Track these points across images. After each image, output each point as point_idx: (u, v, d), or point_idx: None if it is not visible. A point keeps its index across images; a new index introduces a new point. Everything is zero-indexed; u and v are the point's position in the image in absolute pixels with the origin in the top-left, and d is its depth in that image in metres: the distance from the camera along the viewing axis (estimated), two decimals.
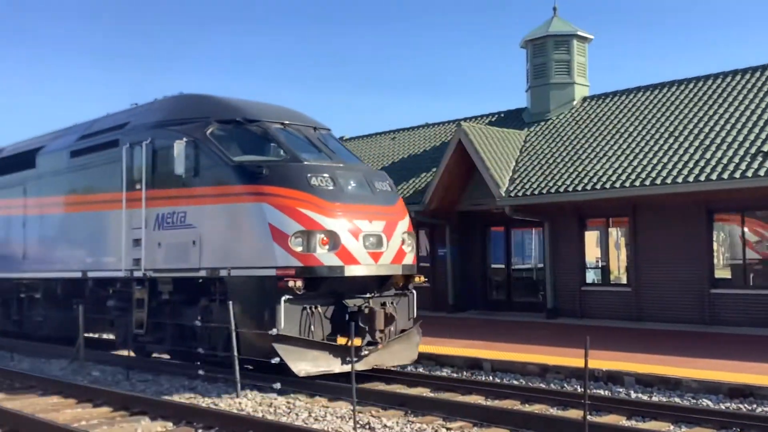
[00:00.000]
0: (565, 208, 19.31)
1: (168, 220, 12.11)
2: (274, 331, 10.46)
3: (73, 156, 14.90)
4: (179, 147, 11.46)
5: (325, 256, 10.72)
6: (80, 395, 10.64)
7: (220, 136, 11.81)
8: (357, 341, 10.85)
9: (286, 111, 13.19)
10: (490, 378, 12.00)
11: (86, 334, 15.36)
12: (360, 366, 11.11)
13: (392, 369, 12.53)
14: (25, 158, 16.57)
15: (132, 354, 13.05)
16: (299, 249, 10.59)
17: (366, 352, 11.21)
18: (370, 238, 11.17)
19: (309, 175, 11.00)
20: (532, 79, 23.11)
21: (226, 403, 10.02)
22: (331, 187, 11.03)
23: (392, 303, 11.68)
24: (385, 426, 8.66)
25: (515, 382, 11.54)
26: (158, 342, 13.01)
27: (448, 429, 8.64)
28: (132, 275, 12.85)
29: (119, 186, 13.17)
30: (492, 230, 22.16)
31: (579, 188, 17.75)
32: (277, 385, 10.54)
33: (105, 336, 16.89)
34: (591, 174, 18.02)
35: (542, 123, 22.32)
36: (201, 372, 11.60)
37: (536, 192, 18.46)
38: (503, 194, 19.01)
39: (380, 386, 11.34)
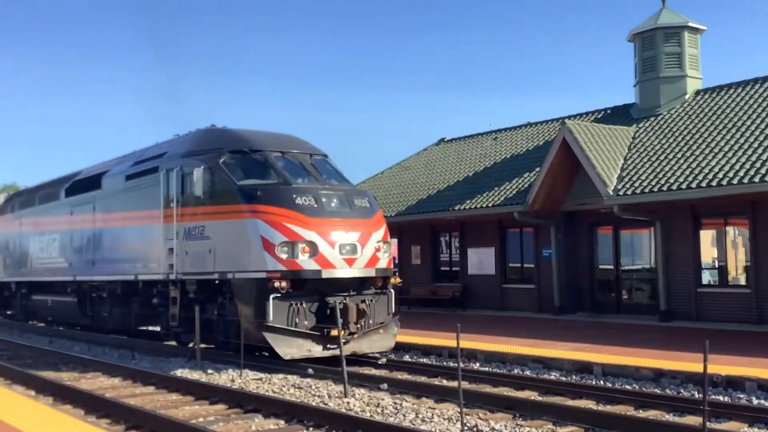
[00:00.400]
0: (678, 207, 18.54)
1: (192, 232, 14.57)
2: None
3: (127, 179, 17.59)
4: (198, 174, 14.02)
5: (306, 262, 12.86)
6: (197, 393, 11.10)
7: (229, 164, 14.20)
8: (341, 332, 12.54)
9: (289, 140, 15.50)
10: (601, 382, 11.68)
11: (141, 327, 18.54)
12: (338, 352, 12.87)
13: (502, 373, 12.48)
14: (94, 180, 19.42)
15: (174, 343, 15.97)
16: (284, 256, 12.77)
17: (344, 341, 12.51)
18: (345, 246, 13.25)
19: (294, 195, 13.19)
20: (640, 73, 22.34)
21: (335, 403, 10.21)
22: (313, 205, 13.20)
23: (371, 300, 13.72)
24: (493, 429, 8.59)
25: (628, 387, 11.18)
26: (189, 332, 14.95)
27: None
28: (168, 278, 15.31)
29: (159, 205, 15.75)
30: (599, 230, 21.55)
31: (693, 185, 16.98)
32: (384, 386, 10.68)
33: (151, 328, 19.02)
34: (706, 170, 17.21)
35: (652, 118, 21.53)
36: (310, 371, 11.90)
37: (646, 190, 17.81)
38: (611, 193, 18.45)
39: (487, 388, 11.27)
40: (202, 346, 15.25)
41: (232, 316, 13.78)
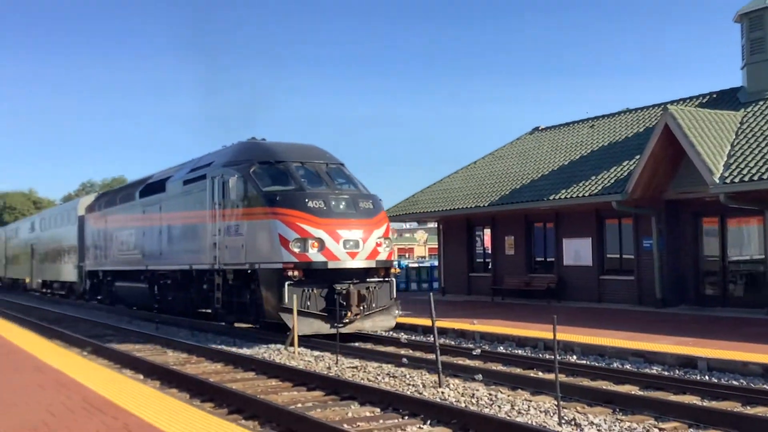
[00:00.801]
0: None
1: (230, 230, 17.23)
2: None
3: (184, 184, 20.53)
4: (233, 182, 16.89)
5: (315, 255, 15.31)
6: (295, 379, 11.38)
7: (258, 173, 16.80)
8: (348, 314, 15.46)
9: (309, 150, 18.11)
10: (706, 377, 11.22)
11: (200, 310, 20.82)
12: (345, 330, 15.25)
13: (600, 367, 12.22)
14: (160, 184, 22.67)
15: (221, 322, 18.75)
16: (297, 250, 15.22)
17: (347, 321, 15.48)
18: (349, 242, 15.59)
19: (307, 200, 15.64)
20: (748, 55, 21.22)
21: (429, 392, 10.24)
22: (323, 207, 15.58)
23: (374, 287, 16.04)
24: (591, 423, 8.39)
25: (735, 383, 10.70)
26: (230, 314, 18.04)
27: (660, 429, 8.21)
28: (213, 267, 18.08)
29: (206, 206, 18.60)
30: (704, 220, 20.66)
31: None
32: (479, 376, 10.63)
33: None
34: None
35: (761, 102, 20.43)
36: (404, 360, 12.00)
37: (755, 177, 16.91)
38: (717, 181, 17.64)
39: (585, 382, 11.03)
40: (244, 325, 17.56)
41: (259, 300, 16.19)
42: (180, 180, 21.03)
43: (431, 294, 11.00)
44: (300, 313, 14.81)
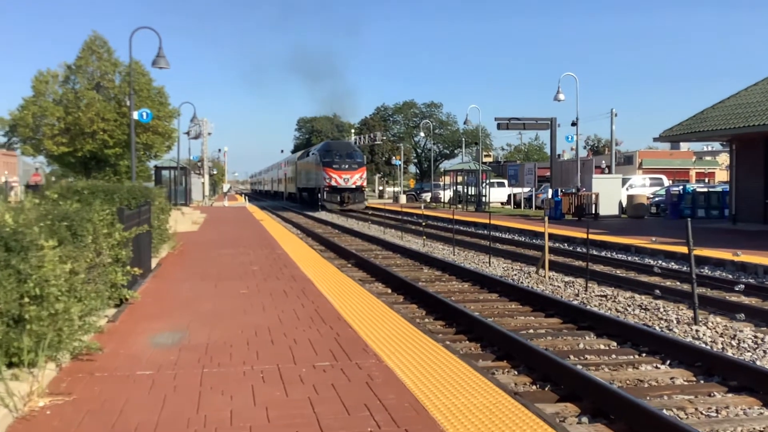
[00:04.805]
0: None
1: (318, 174, 47.65)
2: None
3: (311, 155, 52.51)
4: (316, 157, 49.14)
5: (333, 183, 45.77)
6: (536, 304, 10.84)
7: (323, 153, 47.65)
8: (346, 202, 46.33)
9: (343, 144, 53.00)
10: None
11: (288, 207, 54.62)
12: (344, 208, 44.62)
13: None
14: (308, 153, 55.87)
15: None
16: (328, 181, 45.67)
17: (345, 205, 45.20)
18: (346, 178, 45.68)
19: (334, 164, 46.17)
20: None
21: (681, 329, 9.12)
22: (338, 166, 46.08)
23: (356, 194, 46.30)
24: None
25: None
26: (319, 204, 48.11)
27: None
28: (316, 187, 49.25)
29: (314, 164, 49.88)
30: None
31: None
32: (741, 316, 9.20)
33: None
34: None
35: None
36: (657, 291, 10.84)
37: None
38: None
39: None
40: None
41: (320, 198, 46.82)
42: (310, 153, 52.77)
43: (689, 219, 9.63)
44: (330, 201, 44.40)
